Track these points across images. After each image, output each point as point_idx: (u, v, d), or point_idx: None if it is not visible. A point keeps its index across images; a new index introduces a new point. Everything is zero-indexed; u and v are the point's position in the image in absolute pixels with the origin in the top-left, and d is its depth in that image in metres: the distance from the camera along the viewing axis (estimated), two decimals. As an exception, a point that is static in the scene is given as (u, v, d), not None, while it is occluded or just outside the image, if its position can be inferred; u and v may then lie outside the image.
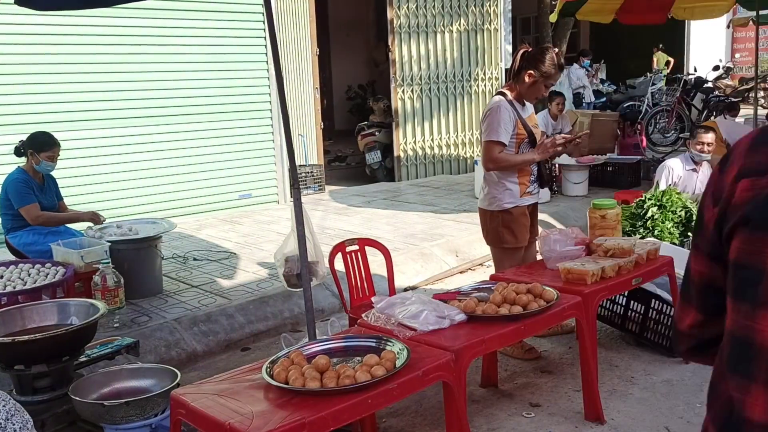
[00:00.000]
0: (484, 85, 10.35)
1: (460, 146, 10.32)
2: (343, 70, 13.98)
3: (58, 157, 4.93)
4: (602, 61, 14.13)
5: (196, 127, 7.68)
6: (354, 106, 13.62)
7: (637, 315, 4.08)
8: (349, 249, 4.10)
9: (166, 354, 4.23)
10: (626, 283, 3.46)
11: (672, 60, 15.32)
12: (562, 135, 3.87)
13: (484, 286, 3.29)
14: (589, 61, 12.20)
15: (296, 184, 3.03)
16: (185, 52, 7.53)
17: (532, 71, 3.76)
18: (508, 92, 3.87)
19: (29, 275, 4.15)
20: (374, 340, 2.63)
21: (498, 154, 3.75)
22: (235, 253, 6.03)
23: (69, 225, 5.04)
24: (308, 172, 8.72)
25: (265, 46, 8.08)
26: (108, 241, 4.70)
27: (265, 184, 8.29)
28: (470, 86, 10.23)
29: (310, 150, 9.02)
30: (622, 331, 4.19)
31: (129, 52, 7.15)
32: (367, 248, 4.15)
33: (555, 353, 4.08)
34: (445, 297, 3.11)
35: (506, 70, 10.29)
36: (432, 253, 5.96)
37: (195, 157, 7.60)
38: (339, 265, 4.02)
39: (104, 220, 5.10)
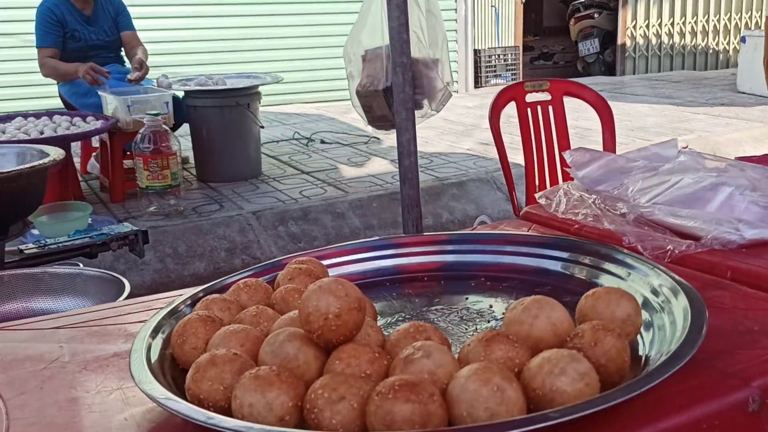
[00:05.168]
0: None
1: (710, 35, 7.68)
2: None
3: None
4: None
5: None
6: (568, -6, 11.14)
7: None
8: (531, 99, 2.20)
9: (225, 261, 2.68)
10: None
11: None
12: None
13: None
14: None
15: None
16: None
17: None
18: None
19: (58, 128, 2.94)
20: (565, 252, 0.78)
21: None
22: (377, 138, 4.33)
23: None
24: (498, 55, 6.72)
25: None
26: (176, 91, 3.21)
27: (443, 68, 6.46)
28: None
29: (505, 26, 6.96)
30: None
31: None
32: (567, 99, 2.24)
33: None
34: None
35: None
36: (674, 151, 3.81)
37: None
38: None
39: (139, 78, 3.33)
